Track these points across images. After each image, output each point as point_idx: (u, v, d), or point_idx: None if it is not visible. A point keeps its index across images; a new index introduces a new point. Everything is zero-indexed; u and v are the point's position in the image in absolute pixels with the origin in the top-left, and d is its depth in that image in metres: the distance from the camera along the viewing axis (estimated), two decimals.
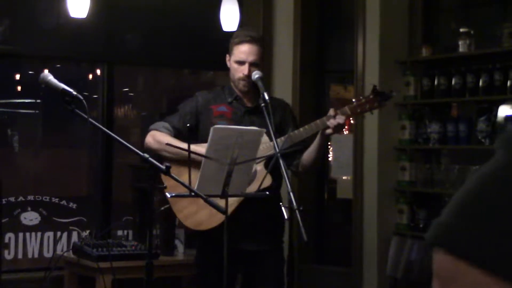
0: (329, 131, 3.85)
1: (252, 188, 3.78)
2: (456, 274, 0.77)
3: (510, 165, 0.78)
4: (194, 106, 4.11)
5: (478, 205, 0.77)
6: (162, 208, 4.43)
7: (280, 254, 4.14)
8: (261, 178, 3.76)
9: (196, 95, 4.19)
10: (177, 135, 4.00)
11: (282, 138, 3.88)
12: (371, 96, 3.93)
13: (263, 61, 4.11)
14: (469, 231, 0.76)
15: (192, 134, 3.98)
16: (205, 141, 3.63)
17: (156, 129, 4.06)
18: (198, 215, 3.92)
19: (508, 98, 5.05)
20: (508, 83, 4.93)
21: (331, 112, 3.86)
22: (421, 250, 5.16)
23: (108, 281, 4.23)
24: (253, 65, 4.00)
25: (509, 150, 0.80)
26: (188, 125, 3.92)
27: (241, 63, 4.01)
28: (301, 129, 3.93)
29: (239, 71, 4.02)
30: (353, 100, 3.97)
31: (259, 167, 3.90)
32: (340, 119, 3.82)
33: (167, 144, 3.82)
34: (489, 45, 5.17)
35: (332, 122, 3.82)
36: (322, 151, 4.04)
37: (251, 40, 4.02)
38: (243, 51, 4.01)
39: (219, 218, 3.74)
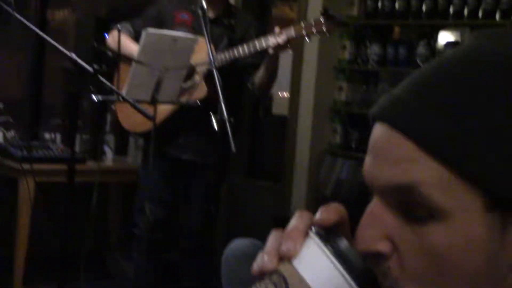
0: (270, 50, 3.75)
1: (190, 98, 3.72)
2: (389, 146, 0.73)
3: (473, 48, 0.75)
4: (157, 11, 4.04)
5: (426, 82, 0.74)
6: (113, 108, 4.37)
7: (222, 169, 4.12)
8: (198, 89, 3.70)
9: None
10: (138, 37, 3.90)
11: (226, 52, 3.78)
12: (321, 19, 3.79)
13: None
14: (408, 104, 0.73)
15: None
16: (120, 48, 3.54)
17: (118, 29, 3.96)
18: (134, 117, 3.84)
19: (449, 24, 5.02)
20: (451, 8, 4.89)
21: (276, 30, 3.75)
22: (351, 170, 5.18)
23: (31, 183, 4.13)
24: None
25: (475, 39, 0.76)
26: (118, 26, 3.80)
27: None
28: (244, 45, 3.83)
29: None
30: (302, 22, 3.84)
31: (198, 77, 3.83)
32: (280, 39, 3.71)
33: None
34: None
35: (272, 41, 3.72)
36: (272, 71, 3.93)
37: None
38: None
39: (151, 124, 3.69)
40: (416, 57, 5.05)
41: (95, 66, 3.22)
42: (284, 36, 3.71)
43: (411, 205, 0.72)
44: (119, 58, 3.39)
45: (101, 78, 3.28)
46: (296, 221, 0.76)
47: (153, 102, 3.49)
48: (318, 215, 0.76)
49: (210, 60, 3.53)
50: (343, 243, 0.73)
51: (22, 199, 4.38)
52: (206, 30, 3.59)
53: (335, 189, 5.20)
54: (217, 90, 3.48)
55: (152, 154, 3.49)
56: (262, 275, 0.73)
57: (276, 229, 0.77)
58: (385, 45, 5.24)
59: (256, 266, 0.74)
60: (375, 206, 0.76)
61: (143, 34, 3.48)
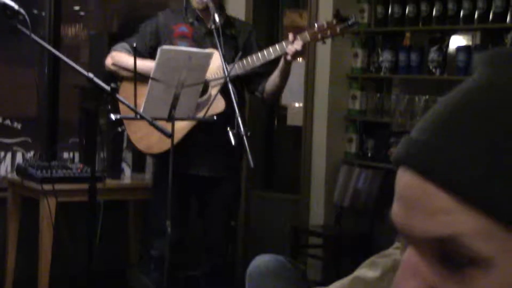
0: (288, 57, 3.76)
1: (208, 113, 3.73)
2: (423, 196, 0.71)
3: (489, 83, 0.72)
4: (155, 26, 4.04)
5: (453, 124, 0.71)
6: (119, 130, 4.37)
7: (236, 182, 4.12)
8: (215, 103, 3.72)
9: (158, 14, 4.11)
10: (137, 55, 3.92)
11: (239, 63, 3.80)
12: (334, 22, 3.80)
13: None
14: (440, 151, 0.70)
15: (154, 54, 3.91)
16: (136, 65, 3.55)
17: (116, 50, 3.98)
18: (150, 138, 3.87)
19: (460, 28, 5.03)
20: (461, 12, 4.90)
21: (290, 37, 3.77)
22: (368, 179, 5.19)
23: (52, 204, 4.17)
24: None
25: (490, 67, 0.74)
26: (150, 46, 3.83)
27: None
28: (258, 54, 3.84)
29: None
30: (315, 24, 3.85)
31: (214, 91, 3.84)
32: (297, 45, 3.73)
33: (113, 64, 3.73)
34: None
35: (290, 49, 3.73)
36: (285, 78, 3.94)
37: None
38: None
39: (169, 142, 3.71)
40: (428, 63, 5.06)
41: (112, 84, 3.24)
42: (300, 41, 3.72)
43: (450, 254, 0.70)
44: (135, 76, 3.41)
45: (118, 97, 3.31)
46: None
47: (171, 119, 3.51)
48: None
49: (225, 73, 3.56)
50: None
51: (44, 219, 4.41)
52: (220, 43, 3.62)
53: (352, 199, 5.21)
54: (232, 104, 3.50)
55: (169, 172, 3.50)
56: None
57: None
58: (396, 52, 5.25)
59: None
60: (411, 256, 0.73)
61: (158, 51, 3.50)
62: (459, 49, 4.97)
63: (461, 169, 0.69)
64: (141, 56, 3.89)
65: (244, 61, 3.83)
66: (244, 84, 4.08)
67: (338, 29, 3.80)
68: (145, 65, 3.79)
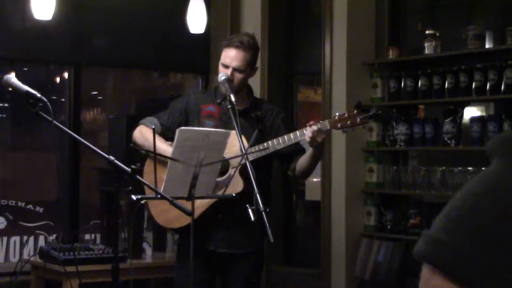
0: (307, 141, 3.81)
1: (227, 192, 3.77)
2: None
3: (504, 177, 0.75)
4: (184, 104, 4.12)
5: (470, 223, 0.74)
6: (138, 204, 4.42)
7: (257, 258, 4.13)
8: (234, 183, 3.77)
9: (189, 93, 4.22)
10: (165, 131, 4.01)
11: (260, 145, 3.86)
12: (354, 112, 3.84)
13: (251, 68, 4.04)
14: (459, 251, 0.73)
15: None
16: (155, 147, 3.61)
17: (145, 125, 4.06)
18: (170, 213, 3.91)
19: (473, 100, 5.10)
20: (473, 84, 4.98)
21: (310, 123, 3.82)
22: (388, 252, 5.19)
23: (75, 285, 4.20)
24: (236, 70, 3.96)
25: (504, 157, 0.76)
26: (153, 127, 3.89)
27: (225, 66, 3.99)
28: (279, 139, 3.90)
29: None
30: (336, 114, 3.89)
31: (233, 171, 3.88)
32: (312, 130, 3.75)
33: (132, 145, 3.81)
34: (455, 47, 5.21)
35: (307, 134, 3.78)
36: (314, 161, 3.98)
37: (239, 46, 3.97)
38: (228, 55, 3.99)
39: (187, 219, 3.76)
40: (443, 135, 5.12)
41: (133, 166, 3.31)
42: (316, 127, 3.76)
43: None
44: (155, 156, 3.48)
45: (139, 178, 3.37)
46: None
47: (190, 198, 3.56)
48: None
49: (242, 152, 3.62)
50: None
51: None
52: (237, 123, 3.69)
53: (373, 272, 5.20)
54: (251, 181, 3.54)
55: (191, 249, 3.53)
56: None
57: None
58: (411, 125, 5.32)
59: None
60: None
61: (177, 132, 3.57)
62: (473, 120, 5.03)
63: (479, 267, 0.71)
64: (169, 131, 3.98)
65: (265, 144, 3.87)
66: (278, 162, 4.14)
67: (358, 120, 3.81)
68: (161, 147, 3.84)
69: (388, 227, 5.35)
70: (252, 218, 3.43)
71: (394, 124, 5.40)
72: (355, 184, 5.46)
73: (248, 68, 4.01)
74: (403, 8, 5.72)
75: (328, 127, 3.81)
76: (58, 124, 3.30)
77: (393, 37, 5.61)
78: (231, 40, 4.03)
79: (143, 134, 4.03)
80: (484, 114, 5.27)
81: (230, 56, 3.98)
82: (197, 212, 3.80)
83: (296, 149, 4.00)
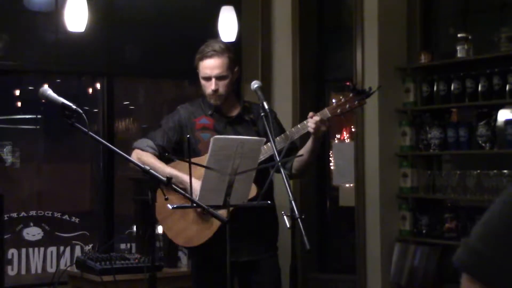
0: (312, 132, 3.81)
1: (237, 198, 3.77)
2: None
3: None
4: (177, 121, 4.08)
5: (506, 234, 0.77)
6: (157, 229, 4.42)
7: (275, 261, 4.13)
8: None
9: (177, 109, 4.16)
10: (162, 152, 3.98)
11: (264, 146, 3.83)
12: (350, 95, 3.87)
13: (232, 70, 4.01)
14: (496, 261, 0.76)
15: (178, 148, 3.98)
16: (190, 155, 3.61)
17: (141, 148, 4.02)
18: (188, 232, 3.91)
19: (507, 103, 5.06)
20: (507, 87, 4.94)
21: (310, 114, 3.83)
22: (424, 256, 5.16)
23: None
24: (219, 78, 3.95)
25: None
26: (188, 136, 3.90)
27: (207, 79, 3.97)
28: (282, 135, 3.90)
29: (207, 87, 3.98)
30: (333, 100, 3.93)
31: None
32: (314, 119, 3.77)
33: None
34: (487, 50, 5.18)
35: (310, 125, 3.80)
36: (314, 155, 3.98)
37: (213, 54, 3.95)
38: (206, 67, 3.96)
39: (208, 233, 3.80)
40: (477, 138, 5.08)
41: (168, 176, 3.32)
42: (318, 117, 3.78)
43: None
44: (190, 166, 3.49)
45: (175, 187, 3.38)
46: None
47: (226, 206, 3.56)
48: None
49: (276, 159, 3.61)
50: None
51: None
52: (270, 130, 3.68)
53: (409, 277, 5.17)
54: (286, 188, 3.53)
55: (209, 261, 3.52)
56: None
57: None
58: (445, 129, 5.29)
59: None
60: None
61: (211, 140, 3.57)
62: (507, 122, 4.99)
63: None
64: (165, 151, 3.97)
65: (272, 143, 3.85)
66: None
67: (356, 102, 3.86)
68: (165, 171, 3.81)
69: (424, 231, 5.32)
70: (288, 225, 3.43)
71: (428, 128, 5.38)
72: (389, 189, 5.44)
73: (229, 72, 3.99)
74: (435, 12, 5.69)
75: (329, 115, 3.82)
76: (94, 135, 3.32)
77: (425, 41, 5.58)
78: (204, 52, 3.99)
79: (141, 159, 3.97)
80: None
81: (209, 67, 3.95)
82: (216, 225, 3.81)
83: (291, 148, 3.98)
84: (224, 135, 3.89)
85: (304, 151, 3.95)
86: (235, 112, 4.05)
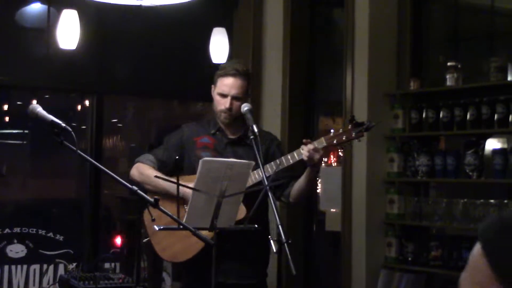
0: (305, 160, 3.80)
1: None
2: (476, 265, 0.99)
3: None
4: (179, 139, 4.12)
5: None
6: (144, 241, 4.40)
7: (263, 287, 4.12)
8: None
9: (182, 126, 4.20)
10: (162, 167, 4.01)
11: (258, 171, 3.83)
12: (349, 127, 3.87)
13: (247, 95, 4.05)
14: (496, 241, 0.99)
15: (178, 166, 3.98)
16: (190, 173, 3.63)
17: (141, 162, 4.07)
18: (174, 248, 3.92)
19: (495, 132, 5.07)
20: (495, 116, 4.96)
21: (305, 142, 3.83)
22: (409, 284, 5.15)
23: None
24: (235, 98, 3.98)
25: None
26: (177, 157, 3.91)
27: (223, 95, 4.00)
28: (277, 160, 3.89)
29: (221, 104, 4.02)
30: (331, 130, 3.92)
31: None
32: (308, 147, 3.77)
33: (156, 176, 3.80)
34: (477, 79, 5.20)
35: (304, 154, 3.79)
36: (311, 183, 3.98)
37: (236, 74, 3.99)
38: (226, 84, 4.00)
39: (193, 250, 3.80)
40: (464, 166, 5.09)
41: (156, 196, 3.31)
42: (312, 146, 3.77)
43: None
44: (178, 187, 3.47)
45: (161, 208, 3.37)
46: None
47: (213, 228, 3.55)
48: None
49: (263, 180, 3.60)
50: None
51: None
52: (259, 153, 3.68)
53: None
54: (274, 213, 3.52)
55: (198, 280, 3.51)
56: None
57: None
58: (432, 156, 5.29)
59: None
60: None
61: (200, 163, 3.56)
62: (495, 152, 5.00)
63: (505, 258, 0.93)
64: (166, 166, 4.00)
65: (268, 167, 3.86)
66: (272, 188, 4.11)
67: (353, 134, 3.84)
68: (169, 184, 3.82)
69: (409, 259, 5.31)
70: (274, 250, 3.42)
71: (416, 155, 5.38)
72: (376, 215, 5.43)
73: (244, 95, 4.03)
74: (425, 40, 5.71)
75: (325, 144, 3.81)
76: (83, 154, 3.31)
77: (414, 68, 5.60)
78: (226, 69, 4.03)
79: (142, 171, 4.01)
80: (506, 146, 5.23)
81: (228, 85, 3.99)
82: (202, 243, 3.79)
83: (291, 175, 3.99)
84: (223, 155, 3.90)
85: (302, 179, 3.96)
86: (237, 134, 4.07)
